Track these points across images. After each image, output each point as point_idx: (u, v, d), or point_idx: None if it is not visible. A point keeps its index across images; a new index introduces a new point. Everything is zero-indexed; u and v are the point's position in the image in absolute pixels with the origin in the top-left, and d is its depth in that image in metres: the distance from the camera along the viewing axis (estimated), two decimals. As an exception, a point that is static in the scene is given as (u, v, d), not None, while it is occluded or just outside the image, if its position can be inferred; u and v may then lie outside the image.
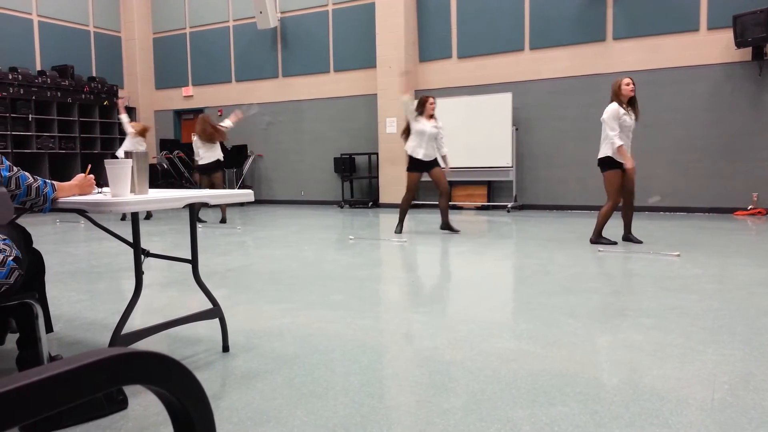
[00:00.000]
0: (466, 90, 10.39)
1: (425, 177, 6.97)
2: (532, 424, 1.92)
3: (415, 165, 6.86)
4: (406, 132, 6.88)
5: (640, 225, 7.36)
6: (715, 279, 4.14)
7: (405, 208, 7.08)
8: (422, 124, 6.74)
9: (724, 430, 1.85)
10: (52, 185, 2.21)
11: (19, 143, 11.29)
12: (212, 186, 8.39)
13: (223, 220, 8.69)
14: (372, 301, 3.72)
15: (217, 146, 8.57)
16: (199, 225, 8.48)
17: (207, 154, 8.48)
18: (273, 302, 3.72)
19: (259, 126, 12.76)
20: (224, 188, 8.98)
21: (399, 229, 7.08)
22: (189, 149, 10.64)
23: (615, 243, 5.80)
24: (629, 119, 5.64)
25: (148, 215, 9.49)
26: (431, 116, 6.81)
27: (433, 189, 10.88)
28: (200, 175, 8.74)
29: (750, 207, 8.54)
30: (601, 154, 5.70)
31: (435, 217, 9.08)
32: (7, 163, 2.14)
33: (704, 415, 1.96)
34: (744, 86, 8.52)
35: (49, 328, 2.55)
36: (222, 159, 8.63)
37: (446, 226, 6.93)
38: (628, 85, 5.64)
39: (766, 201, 8.49)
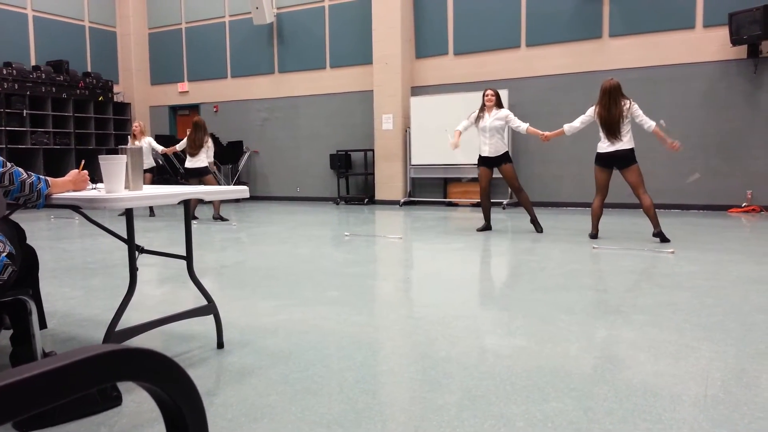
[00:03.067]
0: (463, 87, 10.38)
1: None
2: (526, 420, 1.93)
3: (481, 160, 6.77)
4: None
5: (634, 222, 7.39)
6: (709, 276, 4.15)
7: (483, 204, 6.92)
8: (483, 121, 6.63)
9: (717, 425, 1.86)
10: (46, 181, 2.21)
11: (13, 139, 11.23)
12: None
13: (216, 217, 8.68)
14: (367, 297, 3.72)
15: (203, 153, 8.57)
16: (193, 222, 8.48)
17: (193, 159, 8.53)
18: (268, 299, 3.72)
19: (254, 122, 12.74)
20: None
21: (482, 227, 6.92)
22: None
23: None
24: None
25: (152, 212, 9.48)
26: (492, 108, 6.61)
27: (432, 185, 10.93)
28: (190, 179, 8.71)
29: (744, 204, 8.57)
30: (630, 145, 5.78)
31: (430, 213, 9.09)
32: (1, 159, 2.13)
33: (697, 411, 1.97)
34: (739, 84, 8.54)
35: (42, 325, 2.54)
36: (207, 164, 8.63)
37: (534, 221, 6.70)
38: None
39: (761, 198, 8.52)
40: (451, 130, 7.17)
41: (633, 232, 6.48)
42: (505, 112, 6.66)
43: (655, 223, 5.72)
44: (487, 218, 6.93)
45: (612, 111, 5.79)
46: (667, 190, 9.06)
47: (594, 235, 6.04)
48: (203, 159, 8.52)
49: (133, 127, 9.17)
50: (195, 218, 8.81)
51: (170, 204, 2.44)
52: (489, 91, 6.70)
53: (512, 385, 2.23)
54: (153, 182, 9.47)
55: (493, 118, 6.60)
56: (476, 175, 10.17)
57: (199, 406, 0.57)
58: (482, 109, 6.72)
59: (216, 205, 8.77)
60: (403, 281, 4.24)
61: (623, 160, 5.76)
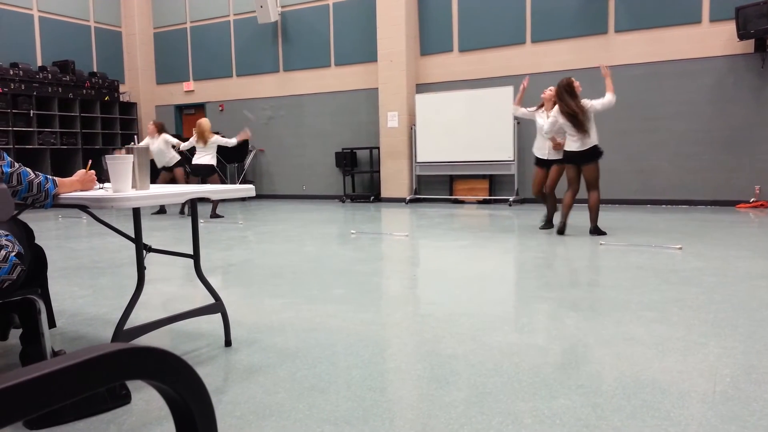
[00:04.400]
0: (468, 84, 10.36)
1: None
2: (534, 417, 1.92)
3: (536, 159, 6.60)
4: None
5: (642, 218, 7.36)
6: (717, 272, 4.13)
7: (544, 201, 6.68)
8: (540, 118, 6.37)
9: (726, 422, 1.85)
10: (54, 181, 2.22)
11: (20, 139, 11.30)
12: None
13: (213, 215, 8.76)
14: (374, 295, 3.73)
15: (213, 149, 8.64)
16: (216, 220, 8.51)
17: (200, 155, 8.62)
18: (275, 297, 3.73)
19: (260, 121, 12.76)
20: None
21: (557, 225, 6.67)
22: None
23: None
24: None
25: (163, 210, 9.51)
26: (551, 107, 6.26)
27: (438, 183, 10.92)
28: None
29: (752, 200, 8.53)
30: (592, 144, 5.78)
31: (436, 211, 9.09)
32: (9, 159, 2.14)
33: (706, 408, 1.96)
34: (746, 79, 8.48)
35: (51, 324, 2.55)
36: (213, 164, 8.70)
37: (549, 222, 6.57)
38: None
39: (769, 193, 8.47)
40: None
41: (639, 228, 6.45)
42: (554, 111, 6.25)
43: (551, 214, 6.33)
44: (562, 215, 6.54)
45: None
46: (674, 186, 9.02)
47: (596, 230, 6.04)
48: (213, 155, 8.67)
49: (149, 128, 9.03)
50: (220, 215, 8.87)
51: (178, 203, 2.45)
52: (548, 91, 6.39)
53: (519, 382, 2.23)
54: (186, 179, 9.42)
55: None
56: (476, 173, 10.24)
57: (208, 404, 0.57)
58: (541, 105, 6.47)
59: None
60: (409, 279, 4.23)
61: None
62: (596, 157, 5.79)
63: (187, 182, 9.66)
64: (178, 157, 9.19)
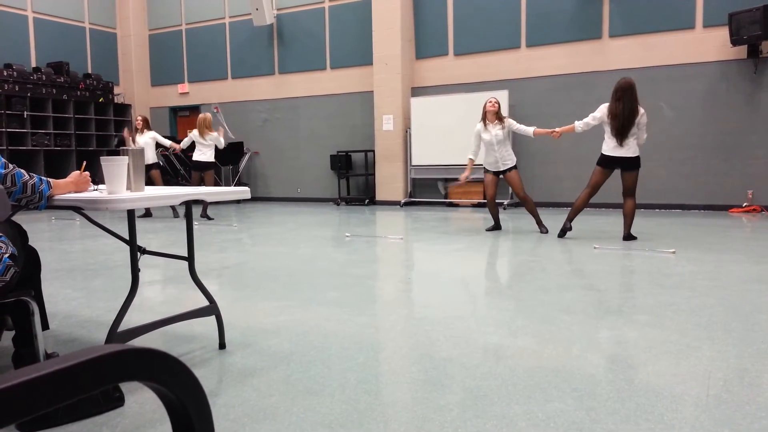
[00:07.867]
0: (463, 87, 10.38)
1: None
2: (528, 421, 1.93)
3: (486, 169, 6.75)
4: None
5: (635, 222, 7.37)
6: (710, 276, 4.15)
7: (492, 210, 6.90)
8: (487, 133, 6.54)
9: (719, 425, 1.86)
10: (48, 182, 2.21)
11: (14, 140, 11.24)
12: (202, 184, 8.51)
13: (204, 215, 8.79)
14: (368, 298, 3.72)
15: (212, 146, 8.72)
16: (208, 221, 8.48)
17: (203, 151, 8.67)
18: (269, 299, 3.72)
19: (255, 123, 12.74)
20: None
21: (491, 227, 6.94)
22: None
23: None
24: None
25: (148, 212, 9.48)
26: (494, 117, 6.52)
27: (432, 186, 10.93)
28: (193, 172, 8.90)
29: (745, 204, 8.57)
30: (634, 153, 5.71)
31: (431, 214, 9.09)
32: (3, 160, 2.13)
33: (699, 411, 1.97)
34: (739, 84, 8.54)
35: (45, 326, 2.54)
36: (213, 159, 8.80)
37: (539, 224, 6.65)
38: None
39: (761, 198, 8.51)
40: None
41: (633, 232, 6.47)
42: (507, 122, 6.59)
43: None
44: (496, 220, 6.94)
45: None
46: (667, 190, 9.06)
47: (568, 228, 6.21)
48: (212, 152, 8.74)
49: (136, 121, 9.08)
50: (210, 218, 8.84)
51: (172, 204, 2.44)
52: (493, 99, 6.60)
53: (514, 385, 2.23)
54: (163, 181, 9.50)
55: (497, 129, 6.51)
56: (472, 176, 10.24)
57: (204, 404, 0.57)
58: (483, 118, 6.61)
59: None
60: (404, 282, 4.23)
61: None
62: (639, 164, 5.77)
63: (175, 183, 9.64)
64: (155, 159, 9.20)
